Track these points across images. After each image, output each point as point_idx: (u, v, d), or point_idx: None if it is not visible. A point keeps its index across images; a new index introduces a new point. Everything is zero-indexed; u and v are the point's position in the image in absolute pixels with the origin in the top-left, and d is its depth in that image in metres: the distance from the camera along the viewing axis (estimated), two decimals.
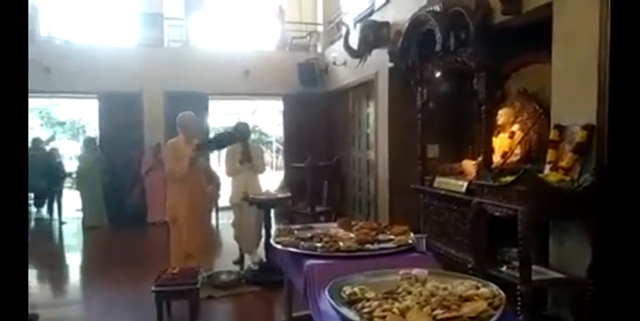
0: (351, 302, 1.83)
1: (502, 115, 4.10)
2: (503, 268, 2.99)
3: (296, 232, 3.07)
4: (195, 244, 4.48)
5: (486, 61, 3.68)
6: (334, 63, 7.67)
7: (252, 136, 20.97)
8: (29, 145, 8.69)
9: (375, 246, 2.60)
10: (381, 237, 2.76)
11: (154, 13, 8.60)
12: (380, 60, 5.92)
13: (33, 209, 9.24)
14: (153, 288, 3.42)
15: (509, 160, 3.89)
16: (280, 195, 4.82)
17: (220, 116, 14.27)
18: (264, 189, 5.10)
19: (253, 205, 4.63)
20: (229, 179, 5.18)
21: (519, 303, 2.67)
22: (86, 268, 5.96)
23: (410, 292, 1.87)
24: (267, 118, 18.01)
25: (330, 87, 8.50)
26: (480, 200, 3.16)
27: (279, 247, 2.79)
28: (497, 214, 2.96)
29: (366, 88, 7.04)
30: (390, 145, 6.09)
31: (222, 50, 8.93)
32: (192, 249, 4.46)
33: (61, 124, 18.60)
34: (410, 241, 2.64)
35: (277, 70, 8.62)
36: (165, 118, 8.05)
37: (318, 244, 2.68)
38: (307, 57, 8.84)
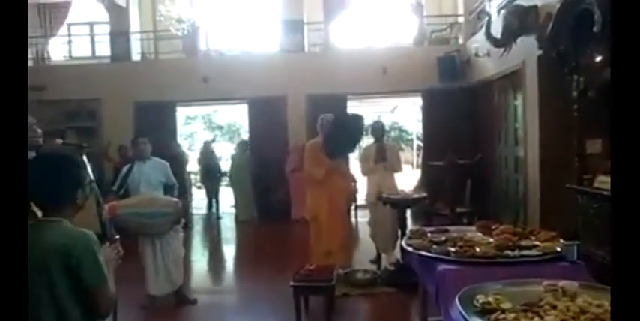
0: (483, 312, 1.69)
1: None
2: None
3: (429, 234, 2.95)
4: (334, 242, 4.60)
5: None
6: (476, 54, 7.22)
7: (393, 134, 20.83)
8: (201, 147, 9.89)
9: (516, 252, 2.36)
10: (523, 243, 2.50)
11: (295, 19, 9.03)
12: (527, 48, 5.40)
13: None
14: (291, 283, 3.57)
15: None
16: (415, 195, 4.69)
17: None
18: (399, 188, 5.00)
19: (387, 204, 4.57)
20: (365, 178, 5.20)
21: None
22: (238, 259, 6.53)
23: (554, 307, 1.65)
24: (408, 115, 17.75)
25: (472, 80, 8.03)
26: None
27: (409, 249, 2.70)
28: None
29: (512, 78, 6.49)
30: (541, 141, 5.52)
31: (360, 50, 9.04)
32: (332, 246, 4.59)
33: (220, 128, 20.63)
34: (558, 249, 2.34)
35: (416, 66, 8.41)
36: (307, 120, 8.41)
37: (452, 249, 2.53)
38: (447, 50, 8.48)
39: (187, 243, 6.65)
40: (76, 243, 1.55)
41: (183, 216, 4.22)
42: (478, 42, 7.24)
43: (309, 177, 4.59)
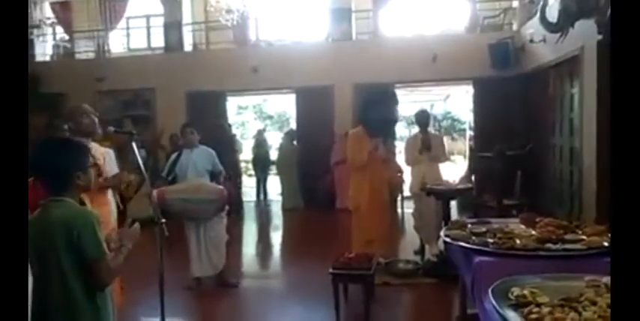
0: (517, 305, 1.63)
1: None
2: None
3: (470, 225, 2.88)
4: (375, 232, 4.59)
5: None
6: (531, 40, 6.89)
7: (445, 124, 20.30)
8: (255, 135, 10.10)
9: (558, 246, 2.26)
10: (568, 237, 2.39)
11: (343, 7, 8.96)
12: (585, 32, 5.09)
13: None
14: (330, 270, 3.61)
15: None
16: (460, 186, 4.57)
17: (410, 105, 14.22)
18: (444, 179, 4.91)
19: (431, 195, 4.49)
20: (409, 168, 5.13)
21: None
22: (282, 246, 6.66)
23: (594, 303, 1.57)
24: (461, 104, 17.27)
25: (526, 68, 7.68)
26: None
27: (447, 240, 2.65)
28: None
29: (569, 65, 6.15)
30: (598, 131, 5.22)
31: (409, 37, 8.86)
32: (373, 236, 4.58)
33: (270, 118, 20.93)
34: (605, 244, 2.22)
35: (467, 53, 8.14)
36: (354, 109, 8.36)
37: (490, 240, 2.46)
38: (500, 36, 8.14)
39: (237, 229, 6.86)
40: (77, 219, 1.71)
41: (227, 203, 4.33)
42: (533, 27, 6.91)
43: (351, 164, 4.58)
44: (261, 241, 7.05)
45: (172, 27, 9.69)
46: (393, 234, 5.19)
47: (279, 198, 9.12)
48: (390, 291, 4.07)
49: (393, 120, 4.71)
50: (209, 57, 9.72)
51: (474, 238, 2.59)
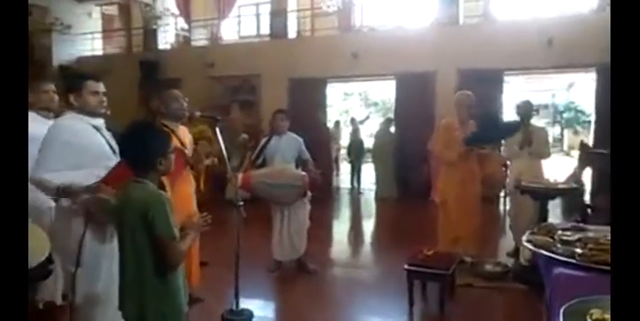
0: None
1: None
2: None
3: (560, 231, 2.56)
4: (464, 228, 4.36)
5: None
6: None
7: (567, 115, 18.53)
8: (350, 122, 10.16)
9: None
10: None
11: None
12: None
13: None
14: (405, 266, 3.48)
15: None
16: (561, 185, 4.10)
17: (525, 93, 13.16)
18: (545, 177, 4.44)
19: (525, 193, 4.09)
20: (507, 164, 4.74)
21: None
22: (371, 236, 6.60)
23: None
24: (586, 94, 15.58)
25: None
26: None
27: (528, 245, 2.39)
28: None
29: None
30: None
31: (523, 20, 8.12)
32: (461, 233, 4.36)
33: (375, 105, 20.72)
34: None
35: (590, 37, 7.23)
36: None
37: (579, 250, 2.16)
38: None
39: (324, 216, 6.93)
40: (153, 200, 1.80)
41: (310, 189, 4.35)
42: None
43: (440, 157, 4.35)
44: (347, 229, 7.04)
45: (278, 14, 9.93)
46: (485, 232, 4.84)
47: (374, 187, 9.02)
48: (472, 293, 3.82)
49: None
50: (311, 43, 9.84)
51: (559, 246, 2.31)
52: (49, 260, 1.84)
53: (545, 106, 19.39)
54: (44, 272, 1.84)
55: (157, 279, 1.83)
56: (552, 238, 2.48)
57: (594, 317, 1.50)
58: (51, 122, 2.69)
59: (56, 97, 3.25)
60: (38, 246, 1.81)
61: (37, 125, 2.67)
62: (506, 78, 8.38)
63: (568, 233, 2.51)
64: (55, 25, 11.07)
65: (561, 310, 1.57)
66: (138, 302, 1.83)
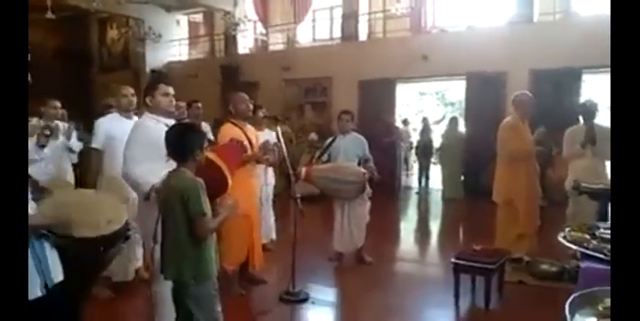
0: (603, 317, 1.56)
1: None
2: None
3: (602, 229, 2.61)
4: (530, 226, 4.46)
5: None
6: None
7: None
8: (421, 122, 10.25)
9: None
10: None
11: None
12: None
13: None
14: (452, 260, 3.63)
15: None
16: None
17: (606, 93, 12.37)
18: (609, 178, 4.33)
19: (583, 194, 4.04)
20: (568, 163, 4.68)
21: None
22: (434, 234, 6.71)
23: None
24: None
25: None
26: None
27: (563, 241, 2.49)
28: None
29: None
30: None
31: (605, 15, 7.73)
32: (527, 230, 4.45)
33: (452, 104, 20.36)
34: None
35: None
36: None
37: (609, 246, 2.24)
38: None
39: (386, 214, 7.09)
40: (189, 185, 2.19)
41: (369, 186, 4.60)
42: None
43: (515, 156, 4.39)
44: (409, 227, 7.17)
45: (349, 17, 10.23)
46: (548, 233, 4.79)
47: (441, 186, 9.04)
48: (523, 290, 3.87)
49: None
50: (380, 45, 10.03)
51: (594, 242, 2.39)
52: (127, 228, 2.28)
53: None
54: (123, 236, 2.28)
55: (190, 247, 2.22)
56: (593, 235, 2.54)
57: (606, 305, 1.61)
58: (131, 122, 3.25)
59: (135, 100, 3.80)
60: (117, 214, 2.26)
61: (119, 123, 3.45)
62: (585, 77, 8.04)
63: (608, 231, 2.56)
64: (149, 34, 12.19)
65: (576, 293, 1.69)
66: (175, 266, 2.23)
